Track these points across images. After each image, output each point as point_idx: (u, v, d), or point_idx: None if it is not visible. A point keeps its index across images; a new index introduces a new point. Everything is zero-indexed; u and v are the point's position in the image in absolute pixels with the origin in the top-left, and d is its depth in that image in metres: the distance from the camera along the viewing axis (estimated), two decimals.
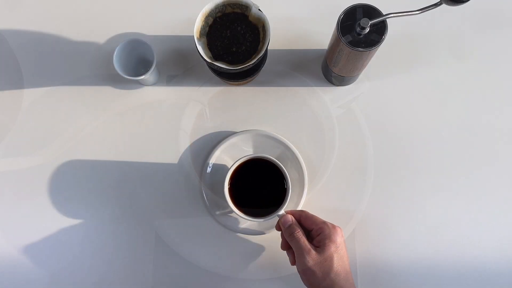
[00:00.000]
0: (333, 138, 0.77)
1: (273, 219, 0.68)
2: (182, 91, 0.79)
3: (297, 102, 0.78)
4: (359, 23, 0.60)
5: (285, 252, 0.68)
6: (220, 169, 0.76)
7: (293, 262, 0.67)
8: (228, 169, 0.68)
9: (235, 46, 0.69)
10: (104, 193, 0.76)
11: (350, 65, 0.68)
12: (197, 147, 0.77)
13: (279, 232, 0.68)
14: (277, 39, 0.77)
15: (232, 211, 0.70)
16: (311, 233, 0.66)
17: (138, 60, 0.77)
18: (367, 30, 0.61)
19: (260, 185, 0.71)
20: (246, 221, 0.74)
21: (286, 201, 0.67)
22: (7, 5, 0.81)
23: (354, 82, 0.78)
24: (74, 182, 0.77)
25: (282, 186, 0.69)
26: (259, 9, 0.68)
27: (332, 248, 0.62)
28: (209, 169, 0.75)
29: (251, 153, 0.73)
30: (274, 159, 0.68)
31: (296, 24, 0.80)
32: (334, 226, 0.64)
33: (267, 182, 0.70)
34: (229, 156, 0.76)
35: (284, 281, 0.75)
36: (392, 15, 0.60)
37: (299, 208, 0.74)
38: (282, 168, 0.68)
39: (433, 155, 0.76)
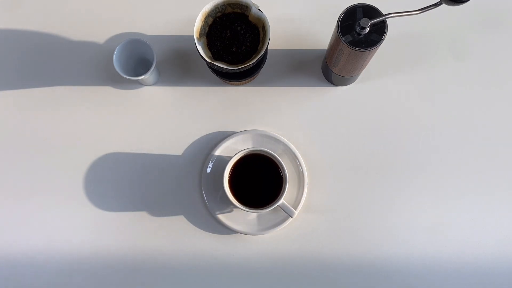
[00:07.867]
0: (333, 138, 0.77)
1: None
2: (182, 91, 0.79)
3: (297, 102, 0.78)
4: (359, 23, 0.60)
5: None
6: (220, 169, 0.76)
7: None
8: (228, 162, 0.70)
9: (235, 46, 0.69)
10: (101, 194, 0.77)
11: (350, 65, 0.68)
12: (197, 147, 0.77)
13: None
14: (277, 39, 0.77)
15: (234, 206, 0.71)
16: None
17: (138, 60, 0.77)
18: (367, 30, 0.61)
19: (259, 179, 0.73)
20: (245, 222, 0.74)
21: (284, 190, 0.68)
22: (7, 5, 0.81)
23: (354, 82, 0.78)
24: (73, 182, 0.77)
25: (280, 179, 0.70)
26: (259, 9, 0.68)
27: None
28: (209, 169, 0.75)
29: (249, 147, 0.73)
30: (270, 152, 0.69)
31: (296, 24, 0.80)
32: None
33: (266, 176, 0.72)
34: (229, 157, 0.76)
35: (284, 279, 0.75)
36: (392, 15, 0.60)
37: (299, 207, 0.74)
38: (277, 158, 0.69)
39: (433, 155, 0.76)
